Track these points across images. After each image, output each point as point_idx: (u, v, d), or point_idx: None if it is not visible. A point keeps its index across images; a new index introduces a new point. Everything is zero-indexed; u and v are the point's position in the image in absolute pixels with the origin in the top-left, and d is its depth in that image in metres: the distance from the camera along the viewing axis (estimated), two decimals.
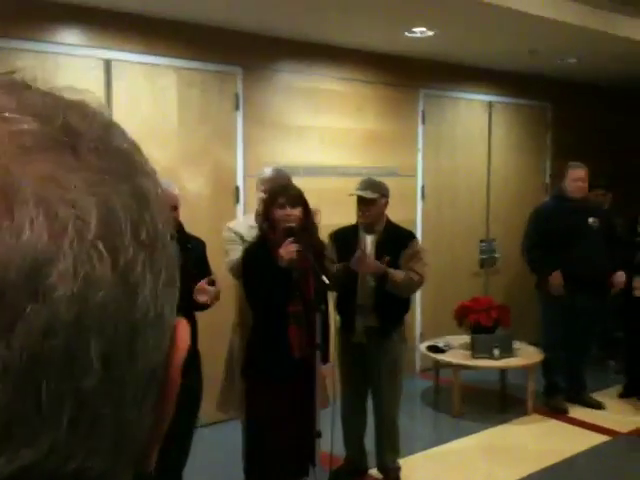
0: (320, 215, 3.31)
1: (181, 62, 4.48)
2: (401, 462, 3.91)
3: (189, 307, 2.94)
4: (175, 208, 2.98)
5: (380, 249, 3.63)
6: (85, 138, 0.32)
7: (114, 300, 0.30)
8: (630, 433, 4.66)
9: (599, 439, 4.54)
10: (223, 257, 3.46)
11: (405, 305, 3.82)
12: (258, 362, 3.12)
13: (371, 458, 3.92)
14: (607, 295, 5.03)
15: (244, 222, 3.71)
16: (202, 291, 2.96)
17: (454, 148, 6.21)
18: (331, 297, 3.19)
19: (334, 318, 3.19)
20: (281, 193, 3.10)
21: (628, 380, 5.31)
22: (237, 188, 4.78)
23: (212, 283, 3.02)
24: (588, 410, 5.01)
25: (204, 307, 3.03)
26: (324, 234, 3.58)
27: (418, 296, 5.72)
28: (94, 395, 0.30)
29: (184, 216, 3.19)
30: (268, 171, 3.65)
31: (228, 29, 4.61)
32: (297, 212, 3.06)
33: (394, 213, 3.90)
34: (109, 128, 0.35)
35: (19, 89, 0.33)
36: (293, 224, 3.02)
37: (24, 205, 0.28)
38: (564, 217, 4.83)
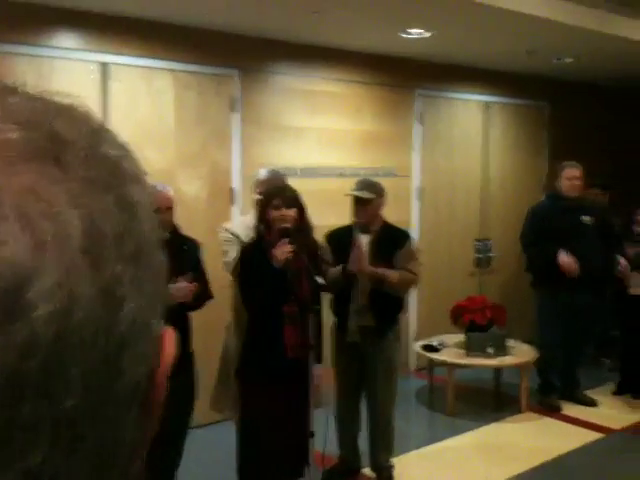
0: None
1: (178, 65, 4.51)
2: (395, 461, 3.94)
3: (182, 308, 2.97)
4: (170, 210, 3.02)
5: (375, 249, 3.67)
6: (71, 146, 0.31)
7: (97, 317, 0.29)
8: (623, 430, 4.69)
9: (593, 436, 4.58)
10: (221, 257, 3.49)
11: (400, 304, 3.86)
12: (253, 362, 3.14)
13: (364, 457, 3.95)
14: (604, 294, 5.06)
15: (240, 223, 3.75)
16: (177, 290, 2.95)
17: (450, 148, 6.25)
18: (326, 297, 3.22)
19: (329, 318, 3.23)
20: (276, 194, 3.14)
21: (622, 378, 5.35)
22: (233, 189, 4.81)
23: (195, 280, 3.02)
24: (582, 408, 5.05)
25: (195, 307, 3.07)
26: (320, 235, 3.61)
27: (414, 295, 5.75)
28: (74, 414, 0.29)
29: (180, 217, 3.23)
30: (263, 172, 3.69)
31: (225, 32, 4.64)
32: (292, 213, 3.09)
33: (390, 213, 3.94)
34: (97, 134, 0.34)
35: (3, 95, 0.33)
36: (288, 225, 3.06)
37: (3, 220, 0.27)
38: (559, 216, 4.86)
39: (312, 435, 3.03)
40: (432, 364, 5.23)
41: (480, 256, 6.52)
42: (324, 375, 3.27)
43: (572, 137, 6.94)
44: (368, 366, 3.76)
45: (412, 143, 5.95)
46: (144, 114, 4.36)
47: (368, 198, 3.68)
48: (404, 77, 5.76)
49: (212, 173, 4.72)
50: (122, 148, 0.36)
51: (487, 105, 6.53)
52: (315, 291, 3.09)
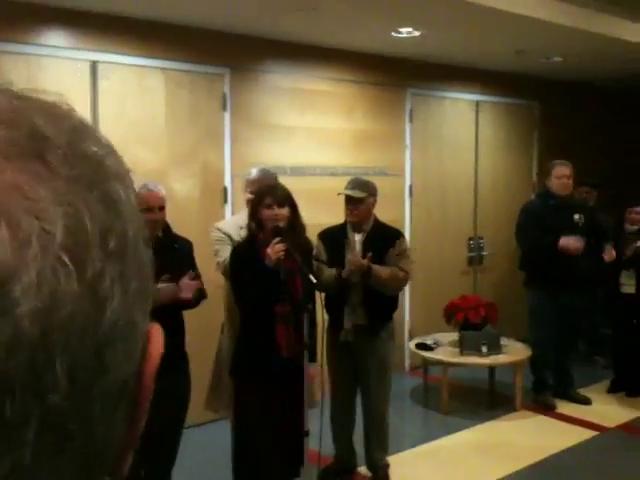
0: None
1: (168, 63, 4.48)
2: (390, 459, 3.93)
3: (175, 307, 2.95)
4: (162, 209, 2.99)
5: (368, 248, 3.66)
6: (53, 144, 0.31)
7: (81, 313, 0.29)
8: (617, 428, 4.70)
9: (587, 434, 4.58)
10: (213, 257, 3.47)
11: (394, 303, 3.86)
12: (246, 362, 3.13)
13: (360, 456, 3.94)
14: (596, 292, 5.06)
15: (232, 222, 3.73)
16: (186, 287, 2.96)
17: (442, 147, 6.25)
18: (319, 296, 3.20)
19: (322, 317, 3.21)
20: (268, 193, 3.12)
21: (615, 376, 5.36)
22: (225, 188, 4.79)
23: (195, 278, 3.03)
24: (576, 406, 5.05)
25: (189, 306, 3.04)
26: (313, 234, 3.59)
27: (407, 294, 5.75)
28: (60, 411, 0.29)
29: (172, 217, 3.20)
30: (254, 172, 3.66)
31: (216, 30, 4.62)
32: (284, 212, 3.08)
33: (383, 212, 3.93)
34: (79, 132, 0.34)
35: None
36: (280, 223, 3.04)
37: None
38: (550, 214, 4.86)
39: (307, 434, 3.01)
40: (426, 363, 5.22)
41: (473, 254, 6.53)
42: (318, 374, 3.25)
43: (562, 136, 6.96)
44: (362, 365, 3.74)
45: (404, 142, 5.95)
46: (135, 113, 4.33)
47: (360, 197, 3.68)
48: (396, 76, 5.76)
49: (204, 172, 4.69)
50: (105, 146, 0.35)
51: (478, 104, 6.54)
52: (308, 290, 3.07)
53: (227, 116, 4.79)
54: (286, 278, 3.05)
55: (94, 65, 4.17)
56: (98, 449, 0.32)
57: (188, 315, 3.15)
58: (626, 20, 5.09)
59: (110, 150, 0.35)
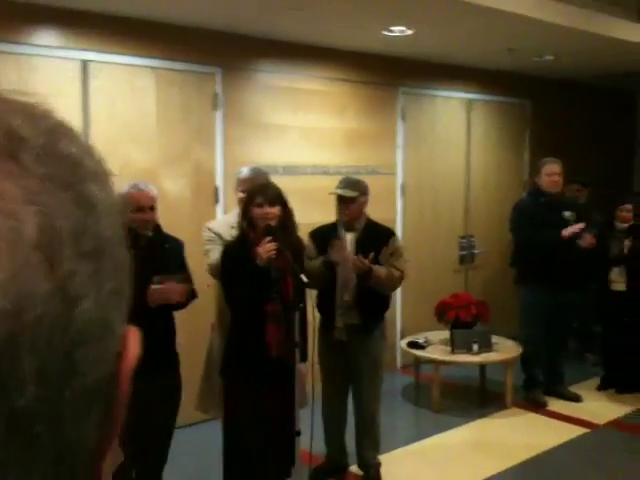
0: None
1: (160, 62, 4.47)
2: (381, 458, 3.94)
3: (165, 307, 2.95)
4: (152, 208, 2.99)
5: (360, 247, 3.66)
6: (28, 144, 0.31)
7: (51, 315, 0.29)
8: (608, 425, 4.73)
9: (577, 431, 4.61)
10: (203, 257, 3.47)
11: (386, 302, 3.87)
12: (237, 362, 3.13)
13: (351, 455, 3.95)
14: (587, 289, 5.07)
15: (223, 221, 3.73)
16: (173, 292, 2.94)
17: (434, 146, 6.26)
18: (310, 295, 3.20)
19: (314, 316, 3.22)
20: (260, 192, 3.12)
21: (605, 373, 5.39)
22: (217, 188, 4.78)
23: (185, 280, 3.02)
24: (566, 403, 5.08)
25: (180, 306, 3.04)
26: (305, 232, 3.60)
27: (399, 293, 5.76)
28: (29, 414, 0.28)
29: (164, 216, 3.20)
30: (245, 171, 3.66)
31: (207, 29, 4.61)
32: (276, 211, 3.08)
33: (374, 211, 3.94)
34: (56, 132, 0.34)
35: None
36: (272, 222, 3.04)
37: None
38: (541, 212, 4.88)
39: (298, 434, 3.02)
40: (418, 361, 5.24)
41: (464, 253, 6.54)
42: (309, 373, 3.26)
43: (554, 134, 6.99)
44: (354, 364, 3.75)
45: (396, 141, 5.95)
46: (126, 112, 4.32)
47: (352, 196, 3.68)
48: (388, 75, 5.77)
49: (196, 171, 4.69)
50: (84, 146, 0.35)
51: (470, 102, 6.55)
52: (300, 289, 3.07)
53: (219, 115, 4.78)
54: (277, 277, 3.05)
55: (85, 64, 4.16)
56: (69, 450, 0.31)
57: (179, 315, 3.15)
58: (618, 18, 5.11)
59: (88, 151, 0.35)
